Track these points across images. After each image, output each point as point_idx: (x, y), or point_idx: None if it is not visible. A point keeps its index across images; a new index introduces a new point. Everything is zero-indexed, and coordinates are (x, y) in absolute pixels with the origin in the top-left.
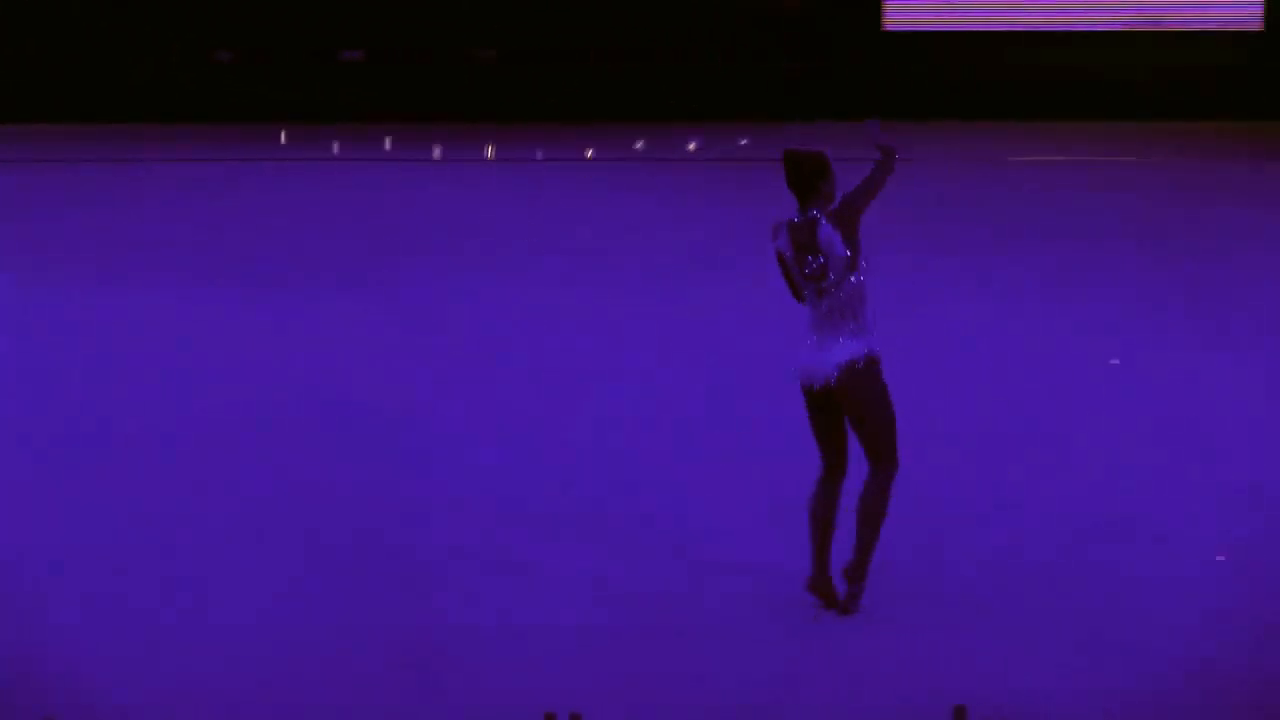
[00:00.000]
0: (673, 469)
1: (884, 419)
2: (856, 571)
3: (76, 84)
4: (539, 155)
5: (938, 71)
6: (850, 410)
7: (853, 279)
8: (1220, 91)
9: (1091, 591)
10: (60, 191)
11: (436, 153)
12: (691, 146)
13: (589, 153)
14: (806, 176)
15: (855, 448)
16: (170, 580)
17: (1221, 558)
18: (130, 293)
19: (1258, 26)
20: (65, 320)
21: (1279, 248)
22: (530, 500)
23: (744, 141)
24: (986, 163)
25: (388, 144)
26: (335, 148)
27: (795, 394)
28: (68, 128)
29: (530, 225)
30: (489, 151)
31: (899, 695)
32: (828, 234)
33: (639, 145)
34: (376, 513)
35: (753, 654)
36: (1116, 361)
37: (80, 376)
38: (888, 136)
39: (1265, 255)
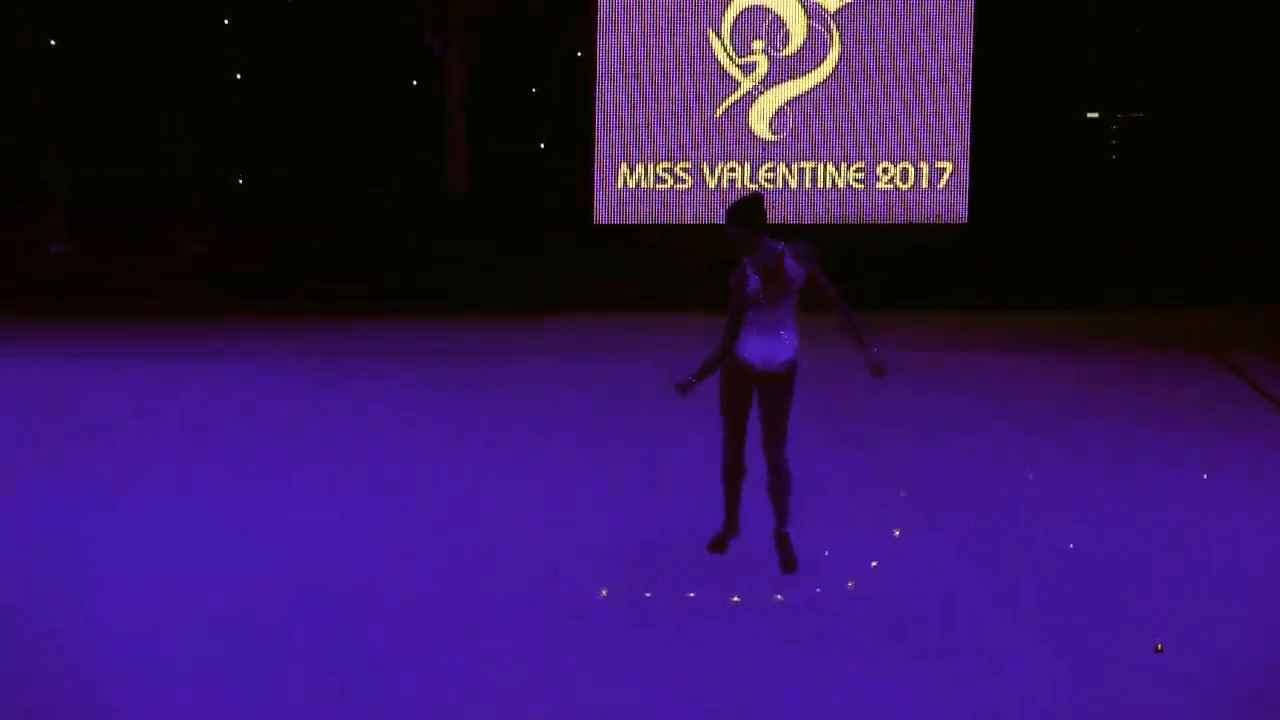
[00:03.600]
0: None
1: (791, 407)
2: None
3: None
4: None
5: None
6: (779, 395)
7: (792, 300)
8: (929, 282)
9: None
10: None
11: None
12: None
13: None
14: (763, 218)
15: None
16: None
17: None
18: None
19: (963, 220)
20: None
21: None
22: None
23: None
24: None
25: None
26: None
27: None
28: None
29: None
30: None
31: None
32: (791, 266)
33: None
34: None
35: None
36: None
37: None
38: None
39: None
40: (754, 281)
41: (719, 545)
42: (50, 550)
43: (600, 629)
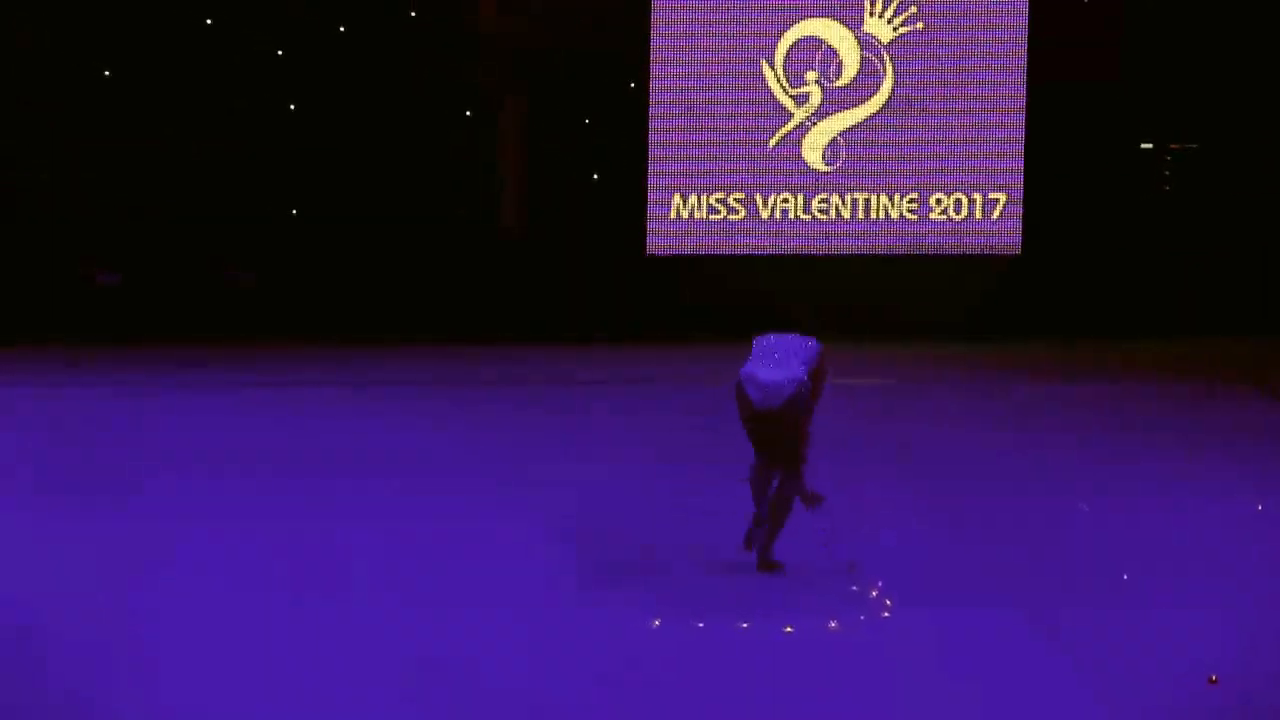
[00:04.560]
0: None
1: (806, 430)
2: (769, 544)
3: None
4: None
5: (699, 293)
6: (782, 427)
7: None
8: (980, 313)
9: None
10: None
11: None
12: None
13: None
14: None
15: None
16: None
17: None
18: None
19: (1016, 251)
20: None
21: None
22: None
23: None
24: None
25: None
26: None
27: None
28: None
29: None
30: None
31: None
32: (815, 343)
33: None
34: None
35: None
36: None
37: None
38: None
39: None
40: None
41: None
42: (95, 571)
43: (635, 639)
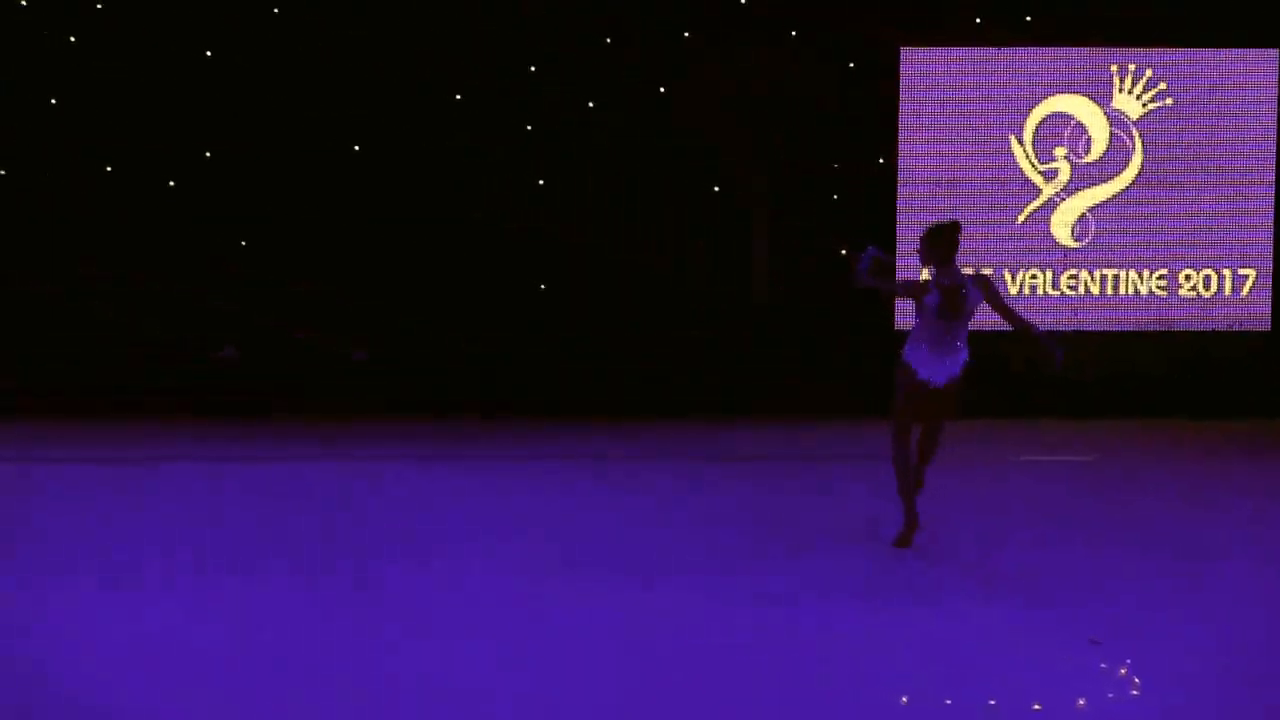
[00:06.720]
0: None
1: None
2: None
3: None
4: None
5: None
6: (951, 401)
7: (967, 319)
8: (1228, 391)
9: None
10: None
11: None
12: None
13: None
14: (953, 246)
15: None
16: None
17: None
18: None
19: (1266, 327)
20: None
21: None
22: None
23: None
24: (989, 461)
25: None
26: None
27: None
28: None
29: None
30: None
31: None
32: (973, 295)
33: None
34: None
35: None
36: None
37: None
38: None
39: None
40: (935, 296)
41: (904, 540)
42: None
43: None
